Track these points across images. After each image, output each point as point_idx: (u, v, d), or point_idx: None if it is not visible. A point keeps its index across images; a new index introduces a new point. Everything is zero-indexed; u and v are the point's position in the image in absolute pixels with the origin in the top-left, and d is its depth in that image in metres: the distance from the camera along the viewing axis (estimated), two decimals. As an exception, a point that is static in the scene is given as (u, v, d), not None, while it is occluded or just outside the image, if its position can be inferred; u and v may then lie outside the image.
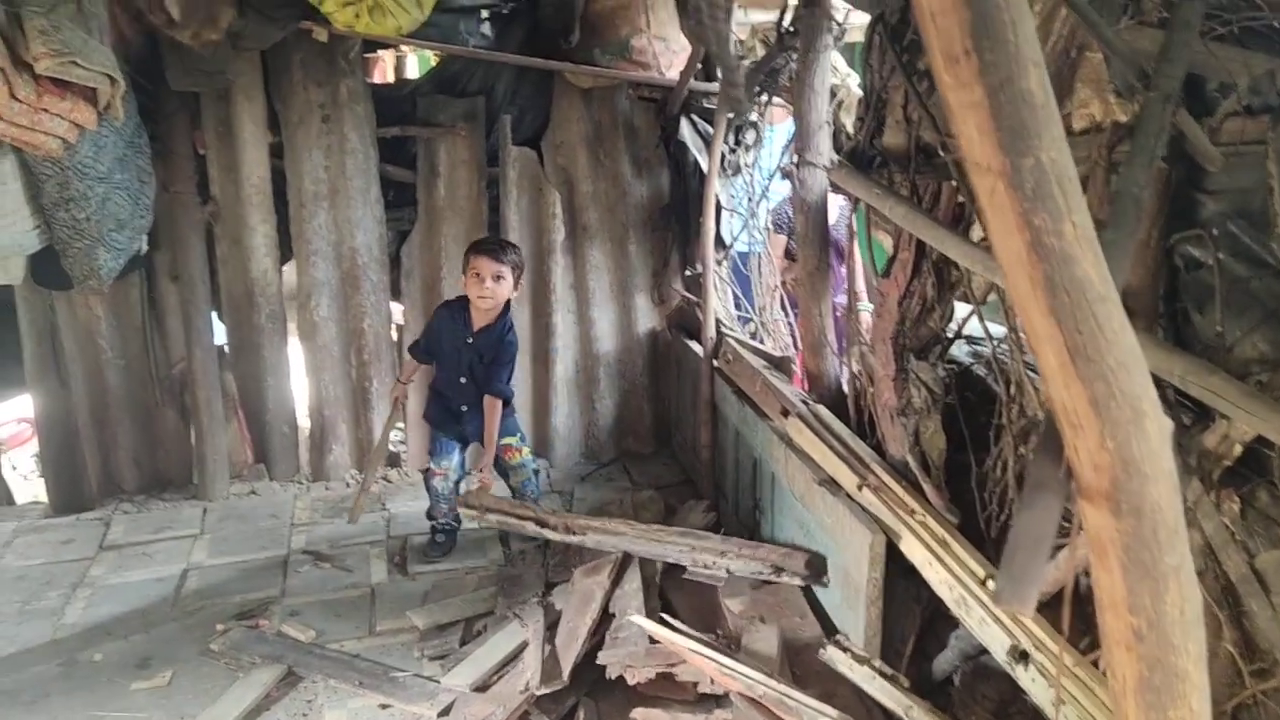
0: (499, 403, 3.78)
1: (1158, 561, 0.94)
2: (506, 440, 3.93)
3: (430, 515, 4.02)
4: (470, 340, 3.80)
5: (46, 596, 3.66)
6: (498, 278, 3.70)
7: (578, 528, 3.45)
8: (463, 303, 3.83)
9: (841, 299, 3.90)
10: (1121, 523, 0.94)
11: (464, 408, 3.87)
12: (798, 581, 3.12)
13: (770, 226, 4.66)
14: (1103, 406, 0.91)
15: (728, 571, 3.24)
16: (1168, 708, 0.98)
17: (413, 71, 7.94)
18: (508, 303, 3.81)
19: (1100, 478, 0.93)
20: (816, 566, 3.09)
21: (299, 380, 4.66)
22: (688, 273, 4.81)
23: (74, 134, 3.28)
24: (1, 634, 3.42)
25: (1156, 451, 0.92)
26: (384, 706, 2.95)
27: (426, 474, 4.02)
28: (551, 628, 3.14)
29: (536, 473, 4.12)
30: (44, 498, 4.47)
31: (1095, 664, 1.99)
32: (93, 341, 4.32)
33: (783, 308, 4.63)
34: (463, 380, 3.85)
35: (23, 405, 4.82)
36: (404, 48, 6.05)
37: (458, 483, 4.00)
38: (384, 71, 7.81)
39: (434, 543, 3.98)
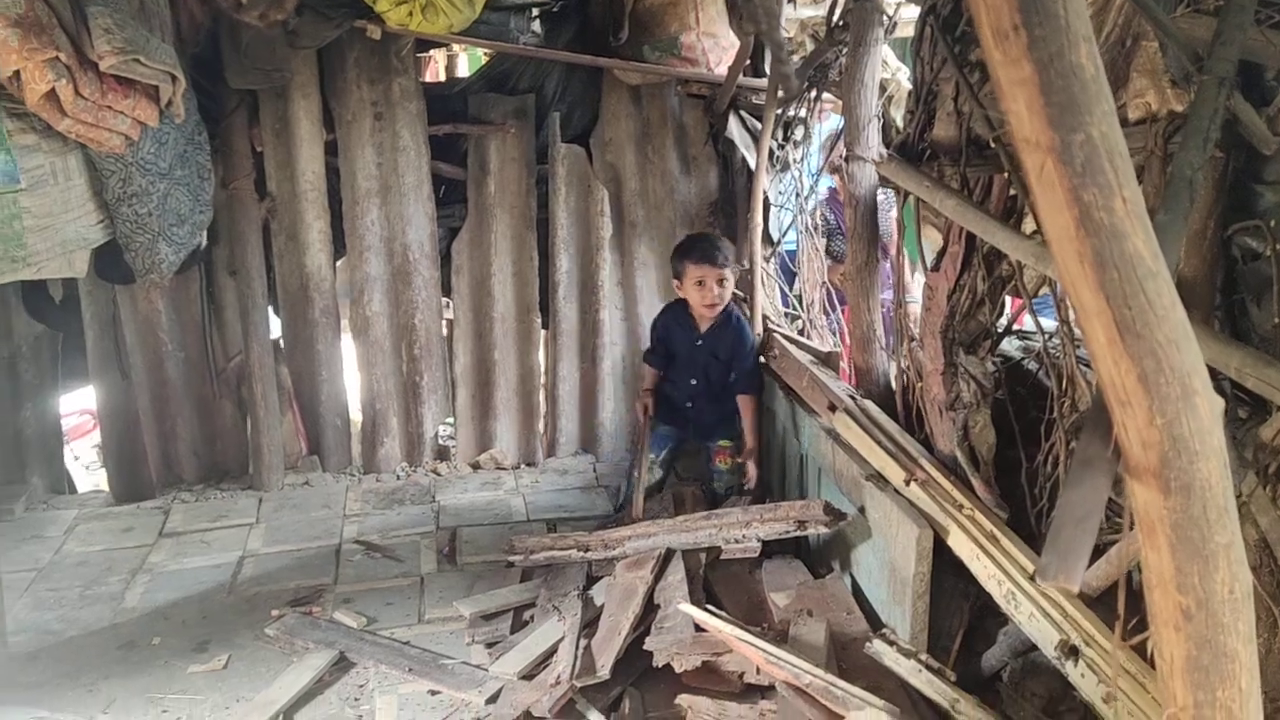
0: (754, 399, 3.79)
1: (1207, 540, 0.94)
2: (723, 442, 3.95)
3: (620, 509, 4.05)
4: (700, 342, 3.83)
5: (107, 582, 3.76)
6: (722, 281, 3.69)
7: (614, 541, 3.51)
8: (683, 305, 3.83)
9: (888, 294, 3.88)
10: (1170, 500, 0.93)
11: (689, 404, 3.92)
12: (822, 530, 3.15)
13: (809, 228, 4.65)
14: (1152, 382, 0.90)
15: (758, 540, 3.27)
16: (1216, 688, 0.97)
17: (463, 70, 8.03)
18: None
19: (1149, 455, 0.93)
20: (835, 511, 3.12)
21: (351, 374, 4.74)
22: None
23: (137, 131, 3.36)
24: (63, 618, 3.52)
25: (1206, 428, 0.92)
26: (433, 692, 2.99)
27: (631, 466, 4.06)
28: (591, 623, 3.16)
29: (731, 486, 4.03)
30: (105, 487, 4.60)
31: (1143, 650, 1.97)
32: (153, 334, 4.43)
33: (824, 308, 4.62)
34: (693, 381, 3.89)
35: (85, 397, 4.95)
36: (455, 46, 6.13)
37: (659, 485, 4.03)
38: (435, 70, 7.90)
39: None
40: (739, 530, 3.30)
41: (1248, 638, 0.97)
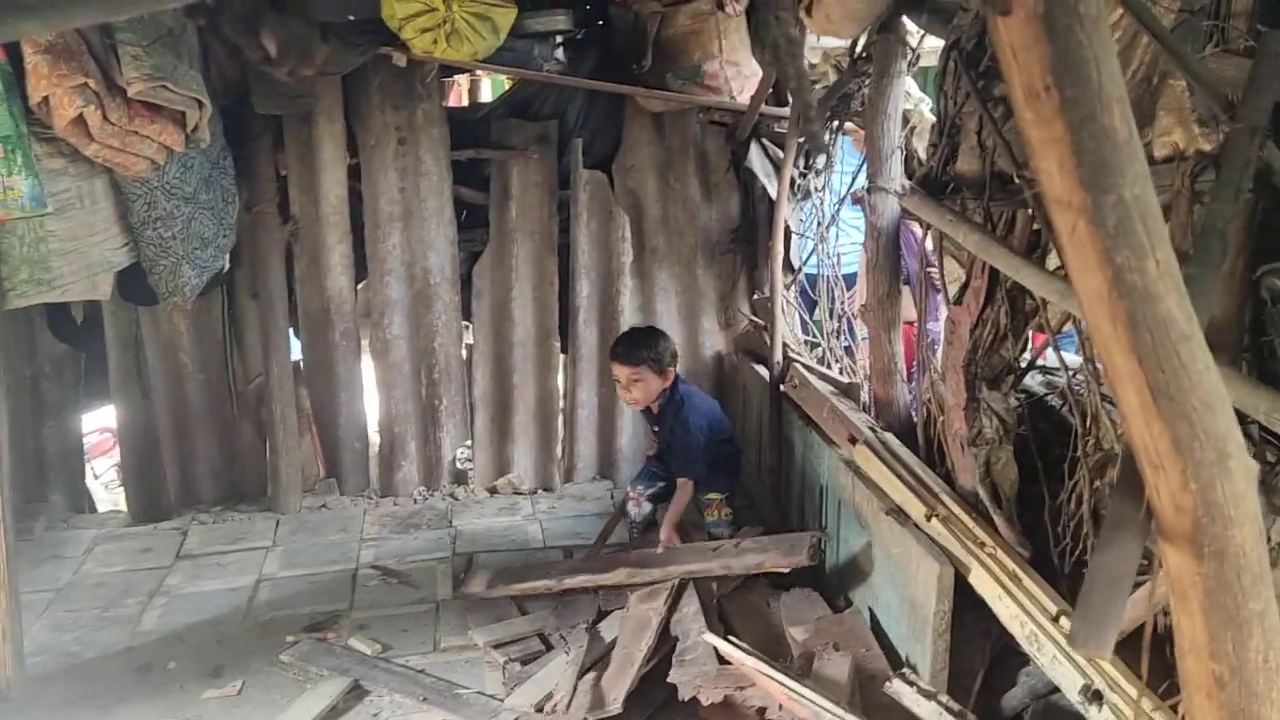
0: (688, 484, 3.82)
1: (1241, 607, 0.92)
2: (711, 495, 3.93)
3: (633, 538, 4.08)
4: (656, 428, 3.96)
5: (124, 604, 3.76)
6: (634, 380, 3.77)
7: (584, 569, 3.57)
8: None
9: (934, 326, 3.82)
10: (1204, 566, 0.92)
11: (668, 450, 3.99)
12: (804, 560, 3.30)
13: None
14: (1185, 447, 0.89)
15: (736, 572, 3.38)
16: (1251, 758, 0.95)
17: (486, 95, 8.08)
18: (674, 384, 3.86)
19: (1182, 520, 0.91)
20: (817, 545, 3.34)
21: (370, 397, 4.75)
22: (755, 296, 4.80)
23: (162, 155, 3.40)
24: (80, 639, 3.53)
25: (1241, 494, 0.90)
26: (447, 722, 2.98)
27: (625, 499, 4.14)
28: (602, 658, 3.15)
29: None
30: (124, 507, 4.61)
31: (1174, 709, 1.93)
32: (175, 356, 4.45)
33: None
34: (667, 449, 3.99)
35: (106, 416, 4.98)
36: (479, 72, 6.17)
37: (651, 516, 4.05)
38: (458, 95, 7.95)
39: None
40: (715, 563, 3.37)
41: (1283, 707, 0.95)
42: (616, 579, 3.51)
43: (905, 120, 3.52)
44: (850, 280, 4.85)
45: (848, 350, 4.52)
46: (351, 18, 3.95)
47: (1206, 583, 0.92)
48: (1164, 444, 0.89)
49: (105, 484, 5.38)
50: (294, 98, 4.15)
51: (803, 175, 4.45)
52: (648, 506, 4.05)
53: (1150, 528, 0.97)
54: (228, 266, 4.23)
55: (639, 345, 3.83)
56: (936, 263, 3.08)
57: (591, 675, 3.03)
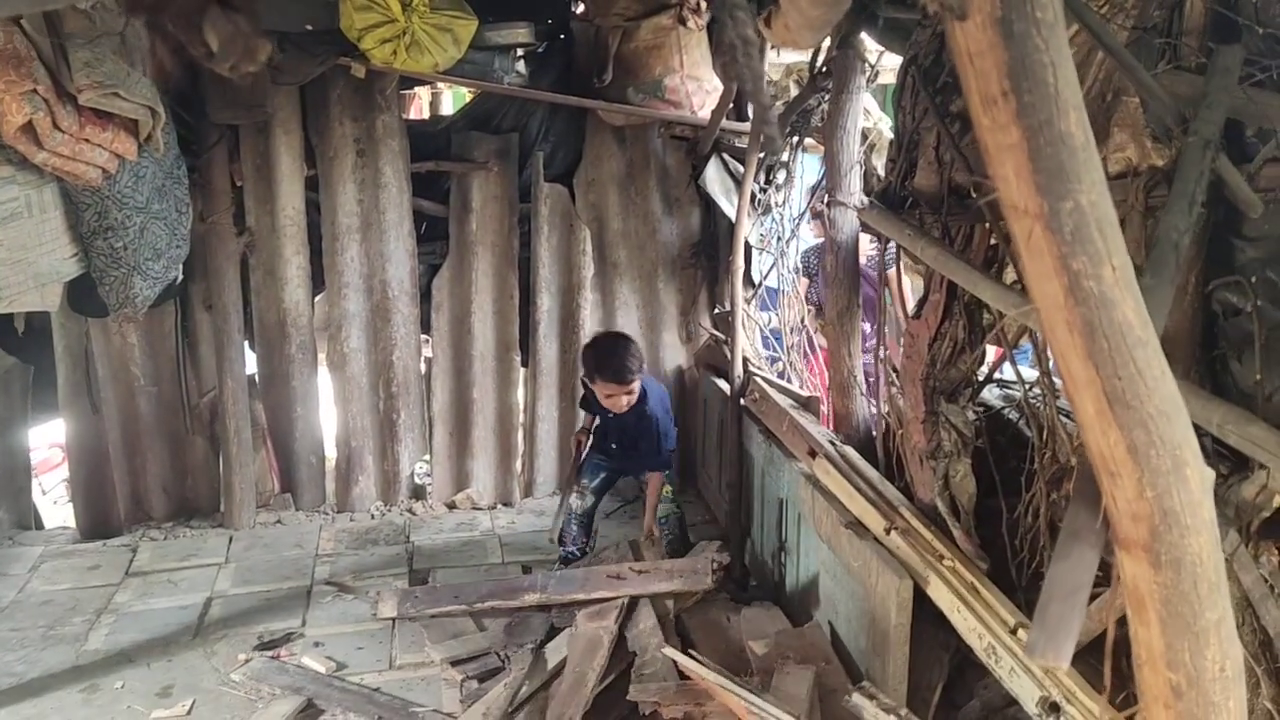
0: (658, 476, 3.94)
1: (1198, 616, 0.92)
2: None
3: (560, 540, 4.06)
4: (610, 415, 3.92)
5: (71, 622, 3.67)
6: (628, 392, 3.77)
7: (493, 594, 3.55)
8: None
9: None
10: (1160, 575, 0.91)
11: (614, 446, 4.02)
12: (708, 584, 3.38)
13: (797, 268, 4.67)
14: (1142, 455, 0.88)
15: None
16: (1208, 767, 0.94)
17: (447, 108, 8.04)
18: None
19: (1138, 528, 0.91)
20: (721, 567, 3.41)
21: (327, 411, 4.68)
22: (716, 311, 4.80)
23: (114, 164, 3.33)
24: (25, 658, 3.43)
25: (1197, 502, 0.90)
26: (402, 742, 2.93)
27: (562, 497, 4.13)
28: (550, 679, 3.12)
29: (671, 517, 4.06)
30: (72, 522, 4.50)
31: None
32: (126, 369, 4.36)
33: (805, 350, 4.61)
34: (613, 446, 4.01)
35: (54, 430, 4.87)
36: (439, 84, 6.14)
37: (590, 512, 4.08)
38: (419, 107, 7.91)
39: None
40: (622, 590, 3.37)
41: (1239, 716, 0.94)
42: (525, 603, 3.50)
43: (864, 137, 3.55)
44: (773, 295, 4.89)
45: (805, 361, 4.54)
46: (309, 27, 3.90)
47: (1163, 591, 0.91)
48: (1120, 451, 0.89)
49: (53, 499, 5.26)
50: (249, 107, 4.10)
51: (763, 190, 4.46)
52: (591, 499, 4.07)
53: (1107, 537, 0.96)
54: (181, 278, 4.15)
55: (629, 362, 3.78)
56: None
57: (541, 697, 2.99)
